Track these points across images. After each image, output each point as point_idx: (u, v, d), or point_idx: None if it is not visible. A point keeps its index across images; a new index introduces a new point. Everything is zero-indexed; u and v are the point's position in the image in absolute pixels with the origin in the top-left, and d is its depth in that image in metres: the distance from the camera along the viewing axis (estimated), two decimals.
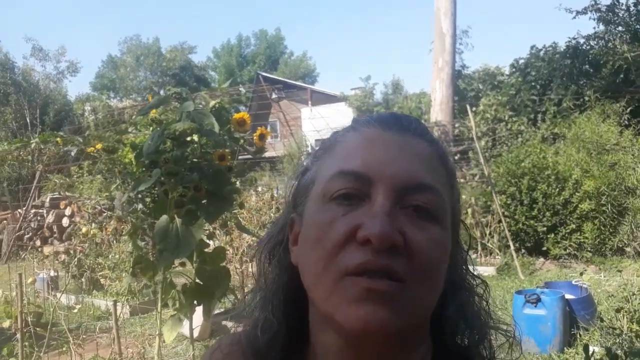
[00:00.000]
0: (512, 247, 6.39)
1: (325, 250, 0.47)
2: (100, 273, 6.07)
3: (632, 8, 9.99)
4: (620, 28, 10.19)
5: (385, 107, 14.09)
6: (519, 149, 7.98)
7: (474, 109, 9.40)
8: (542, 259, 6.96)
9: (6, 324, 3.71)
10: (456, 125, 10.15)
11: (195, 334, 3.10)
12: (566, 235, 6.80)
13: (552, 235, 6.87)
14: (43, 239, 10.23)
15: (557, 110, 9.80)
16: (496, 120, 10.39)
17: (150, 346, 3.67)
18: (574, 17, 10.53)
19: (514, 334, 0.59)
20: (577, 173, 6.94)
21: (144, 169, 1.90)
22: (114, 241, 6.40)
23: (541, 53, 11.10)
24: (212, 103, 1.88)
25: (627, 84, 9.42)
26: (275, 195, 7.32)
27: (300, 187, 0.56)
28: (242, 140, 1.94)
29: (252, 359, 0.57)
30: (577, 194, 6.78)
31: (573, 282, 4.30)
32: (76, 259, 5.86)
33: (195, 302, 1.96)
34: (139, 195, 1.97)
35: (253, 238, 4.93)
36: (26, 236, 10.37)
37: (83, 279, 6.10)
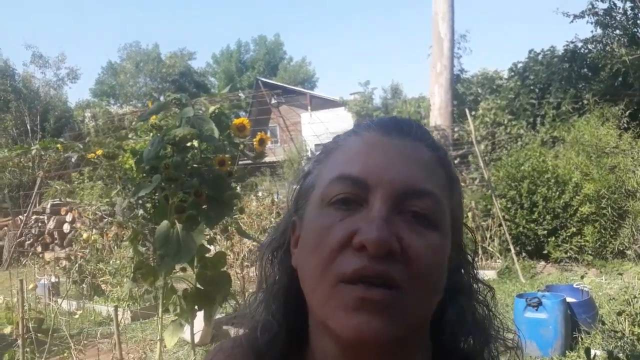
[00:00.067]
0: (512, 251, 6.39)
1: (323, 255, 0.47)
2: (102, 279, 6.06)
3: (629, 12, 10.04)
4: (617, 31, 10.22)
5: (385, 111, 14.11)
6: (519, 153, 7.98)
7: (473, 113, 9.41)
8: (542, 263, 6.94)
9: (7, 330, 3.71)
10: (455, 129, 10.17)
11: (197, 339, 3.10)
12: (567, 238, 6.79)
13: (553, 238, 6.86)
14: (44, 245, 10.23)
15: (556, 114, 9.81)
16: (495, 124, 10.40)
17: (151, 351, 3.67)
18: (572, 21, 10.57)
19: (517, 343, 0.58)
20: (577, 176, 6.95)
21: (144, 174, 1.90)
22: (115, 247, 6.40)
23: (539, 57, 11.12)
24: (212, 109, 1.89)
25: (626, 87, 9.45)
26: (276, 200, 7.33)
27: (301, 191, 0.56)
28: (242, 146, 1.95)
29: None
30: (577, 197, 6.78)
31: (574, 286, 4.29)
32: (77, 265, 5.86)
33: (196, 307, 1.96)
34: (140, 201, 1.98)
35: (254, 243, 4.93)
36: (27, 242, 10.37)
37: (84, 285, 6.10)
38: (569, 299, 3.86)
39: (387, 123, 0.54)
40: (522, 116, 10.35)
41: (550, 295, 3.81)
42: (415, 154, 0.51)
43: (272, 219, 6.22)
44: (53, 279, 6.05)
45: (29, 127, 20.30)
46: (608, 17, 10.13)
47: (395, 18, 71.56)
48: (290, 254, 0.56)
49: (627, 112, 8.31)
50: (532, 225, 6.94)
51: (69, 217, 9.92)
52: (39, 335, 3.25)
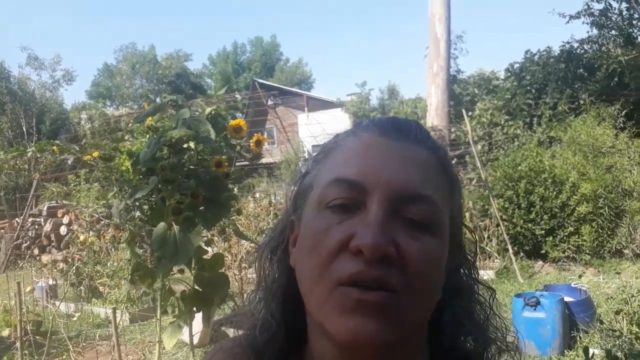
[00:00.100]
0: (510, 251, 6.40)
1: (320, 258, 0.47)
2: (99, 281, 6.05)
3: (624, 12, 10.08)
4: (613, 32, 10.27)
5: (382, 112, 14.13)
6: (516, 153, 8.01)
7: (469, 113, 9.43)
8: (540, 262, 6.96)
9: (5, 332, 3.69)
10: (452, 129, 10.19)
11: (195, 340, 3.09)
12: (564, 238, 6.81)
13: (551, 238, 6.88)
14: (41, 247, 10.19)
15: (552, 114, 9.84)
16: (492, 125, 10.42)
17: (150, 353, 3.66)
18: (568, 22, 10.62)
19: (515, 344, 0.59)
20: (573, 176, 6.97)
21: (140, 176, 1.90)
22: (112, 249, 6.38)
23: (536, 57, 11.16)
24: (208, 110, 1.89)
25: (622, 87, 9.49)
26: (273, 201, 7.31)
27: (300, 190, 0.56)
28: (238, 147, 1.95)
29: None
30: (574, 197, 6.80)
31: (572, 285, 4.30)
32: (74, 267, 5.84)
33: (194, 308, 1.95)
34: (137, 203, 1.97)
35: (251, 244, 4.93)
36: (24, 245, 10.33)
37: (82, 287, 6.08)
38: (567, 299, 3.87)
39: (386, 124, 0.53)
40: (519, 116, 10.38)
41: (548, 295, 3.82)
42: (413, 156, 0.50)
43: (270, 220, 6.22)
44: (50, 282, 6.04)
45: (24, 130, 20.23)
46: (604, 18, 10.18)
47: (391, 19, 71.71)
48: (289, 254, 0.56)
49: (623, 112, 8.35)
50: (530, 225, 6.96)
51: (65, 220, 9.88)
52: (37, 337, 3.24)
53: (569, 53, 10.64)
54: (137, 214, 2.01)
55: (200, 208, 1.81)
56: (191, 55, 40.83)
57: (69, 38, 65.82)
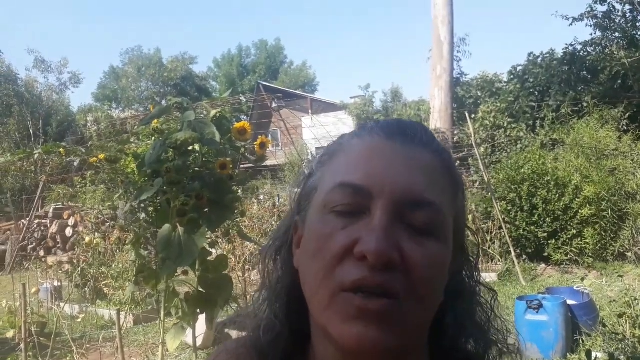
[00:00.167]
0: (513, 253, 6.39)
1: (324, 262, 0.47)
2: (104, 282, 6.08)
3: (628, 14, 10.07)
4: (616, 34, 10.26)
5: (385, 115, 14.14)
6: (519, 155, 7.99)
7: (472, 116, 9.44)
8: (543, 265, 6.94)
9: (10, 334, 3.72)
10: (455, 132, 10.19)
11: (198, 342, 3.11)
12: (567, 241, 6.79)
13: (553, 241, 6.86)
14: (47, 249, 10.26)
15: (555, 117, 9.82)
16: (495, 127, 10.41)
17: (153, 355, 3.68)
18: (571, 24, 10.62)
19: (517, 346, 0.59)
20: (576, 179, 6.95)
21: (146, 178, 1.92)
22: (117, 250, 6.41)
23: (539, 60, 11.15)
24: (213, 112, 1.91)
25: (625, 89, 9.47)
26: (277, 203, 7.34)
27: (304, 192, 0.56)
28: (243, 149, 1.96)
29: None
30: (577, 199, 6.78)
31: (575, 288, 4.29)
32: (79, 269, 5.88)
33: (198, 310, 1.97)
34: (142, 205, 1.99)
35: (255, 246, 4.95)
36: (30, 246, 10.40)
37: (86, 289, 6.12)
38: (570, 302, 3.85)
39: (391, 126, 0.53)
40: (522, 119, 10.37)
41: (551, 298, 3.81)
42: (418, 160, 0.50)
43: (274, 222, 6.24)
44: (55, 283, 6.06)
45: (31, 132, 20.37)
46: (607, 20, 10.17)
47: (395, 22, 71.74)
48: (293, 254, 0.56)
49: (627, 115, 8.33)
50: (533, 227, 6.94)
51: (71, 221, 9.94)
52: (41, 339, 3.26)
53: (572, 55, 10.63)
54: (142, 215, 2.03)
55: (205, 210, 1.82)
56: (196, 58, 40.94)
57: (76, 41, 66.26)
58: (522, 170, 7.25)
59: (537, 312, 3.63)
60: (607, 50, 10.15)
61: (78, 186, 9.17)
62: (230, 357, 0.60)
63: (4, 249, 10.48)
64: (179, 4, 69.17)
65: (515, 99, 10.68)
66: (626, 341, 3.33)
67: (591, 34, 10.70)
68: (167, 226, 1.75)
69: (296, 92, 26.91)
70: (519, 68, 11.40)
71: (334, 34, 73.51)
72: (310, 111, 21.60)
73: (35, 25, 63.32)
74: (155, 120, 1.89)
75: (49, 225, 10.48)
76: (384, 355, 0.46)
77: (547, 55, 11.14)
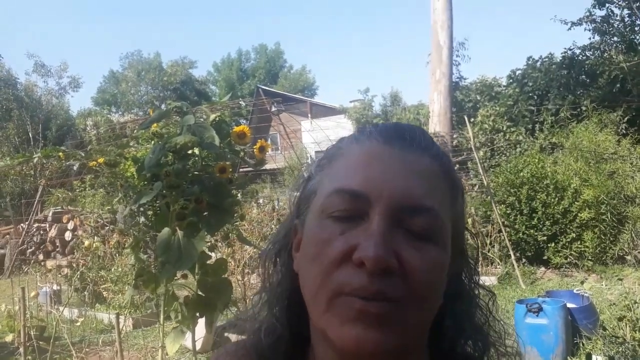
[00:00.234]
0: (512, 257, 6.39)
1: (322, 267, 0.47)
2: (103, 286, 6.07)
3: (626, 19, 10.12)
4: (615, 38, 10.31)
5: (384, 119, 14.17)
6: (518, 159, 8.01)
7: (472, 119, 9.46)
8: (543, 268, 6.94)
9: (9, 338, 3.71)
10: (455, 136, 10.21)
11: (198, 346, 3.10)
12: (566, 244, 6.79)
13: (553, 244, 6.86)
14: (46, 252, 10.24)
15: (554, 120, 9.85)
16: (494, 131, 10.43)
17: (152, 359, 3.67)
18: (569, 28, 10.68)
19: (516, 349, 0.59)
20: (575, 182, 6.96)
21: (145, 182, 1.92)
22: (117, 254, 6.41)
23: (538, 64, 11.19)
24: (213, 116, 1.92)
25: (624, 93, 9.50)
26: (277, 207, 7.34)
27: (303, 196, 0.56)
28: (242, 153, 1.97)
29: None
30: (576, 203, 6.79)
31: (574, 291, 4.28)
32: (79, 273, 5.87)
33: (197, 314, 1.97)
34: (141, 209, 1.99)
35: (254, 250, 4.95)
36: (29, 250, 10.38)
37: (86, 293, 6.11)
38: (570, 305, 3.85)
39: (390, 131, 0.53)
40: (521, 123, 10.39)
41: (551, 301, 3.81)
42: (417, 165, 0.50)
43: (273, 226, 6.24)
44: (55, 287, 6.06)
45: (31, 136, 20.39)
46: (605, 24, 10.22)
47: (394, 26, 71.99)
48: (293, 258, 0.56)
49: (626, 118, 8.36)
50: (532, 231, 6.95)
51: (70, 225, 9.94)
52: (40, 343, 3.26)
53: (571, 59, 10.67)
54: (142, 219, 2.03)
55: (204, 213, 1.83)
56: (196, 62, 41.18)
57: (75, 45, 66.44)
58: (522, 174, 7.26)
59: (537, 316, 3.62)
60: (606, 54, 10.20)
61: (77, 190, 9.17)
62: (230, 359, 0.60)
63: (3, 253, 10.46)
64: (179, 5, 69.46)
65: (514, 103, 10.71)
66: (626, 344, 3.32)
67: (590, 38, 10.77)
68: (166, 230, 1.76)
69: (295, 96, 26.99)
70: (518, 72, 11.43)
71: (334, 39, 73.82)
72: (309, 115, 21.65)
73: (35, 27, 63.72)
74: (155, 124, 1.89)
75: (48, 229, 10.47)
76: (383, 357, 0.46)
77: (546, 59, 11.17)
